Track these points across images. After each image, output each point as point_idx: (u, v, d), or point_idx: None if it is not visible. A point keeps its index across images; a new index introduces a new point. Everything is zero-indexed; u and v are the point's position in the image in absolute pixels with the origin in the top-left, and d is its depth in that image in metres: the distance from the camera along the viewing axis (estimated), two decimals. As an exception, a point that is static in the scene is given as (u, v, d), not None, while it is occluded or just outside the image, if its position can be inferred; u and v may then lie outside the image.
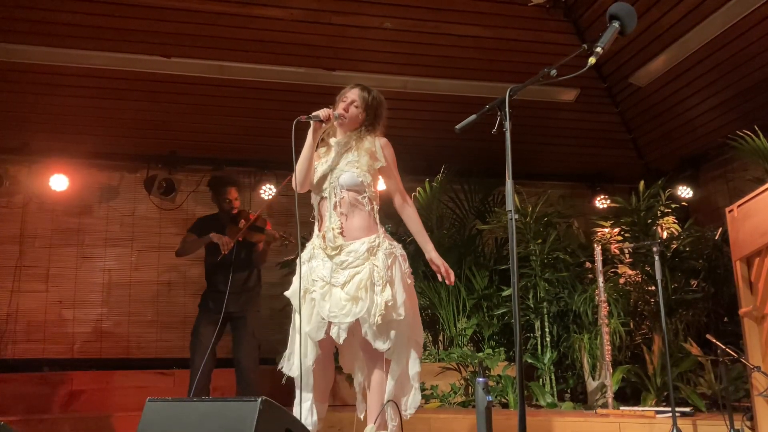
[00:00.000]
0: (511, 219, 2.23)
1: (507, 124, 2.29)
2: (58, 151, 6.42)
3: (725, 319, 5.62)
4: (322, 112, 3.07)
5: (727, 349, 3.75)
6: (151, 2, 5.23)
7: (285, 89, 6.20)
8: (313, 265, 3.08)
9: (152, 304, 6.72)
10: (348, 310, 2.93)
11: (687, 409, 4.38)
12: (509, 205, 2.25)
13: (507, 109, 2.28)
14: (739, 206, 3.86)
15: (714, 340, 3.86)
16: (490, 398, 3.03)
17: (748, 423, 3.86)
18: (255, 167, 6.98)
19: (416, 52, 5.97)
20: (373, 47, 5.89)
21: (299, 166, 3.13)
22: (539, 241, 5.64)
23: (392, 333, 2.96)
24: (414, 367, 3.08)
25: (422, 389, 5.55)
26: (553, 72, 2.30)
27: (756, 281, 3.73)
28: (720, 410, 4.16)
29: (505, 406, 5.27)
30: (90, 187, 6.74)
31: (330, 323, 2.99)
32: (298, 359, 3.02)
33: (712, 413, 4.49)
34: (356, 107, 3.18)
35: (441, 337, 6.30)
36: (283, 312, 6.84)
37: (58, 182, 6.40)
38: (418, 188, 6.38)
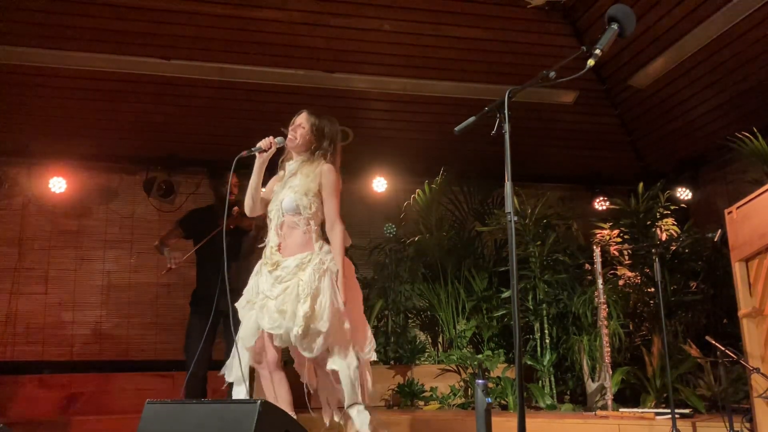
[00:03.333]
0: (511, 221, 2.24)
1: (506, 126, 2.29)
2: (57, 154, 6.42)
3: (724, 320, 5.62)
4: (263, 142, 3.34)
5: (727, 351, 3.75)
6: (150, 5, 5.23)
7: (284, 91, 6.20)
8: (258, 279, 3.30)
9: (151, 306, 6.71)
10: (279, 322, 3.11)
11: (686, 411, 4.38)
12: (508, 206, 2.25)
13: (506, 111, 2.29)
14: (738, 208, 3.86)
15: (713, 342, 3.87)
16: (490, 400, 3.04)
17: (748, 425, 3.86)
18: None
19: (415, 54, 5.97)
20: (372, 49, 5.90)
21: (247, 195, 3.41)
22: (538, 242, 5.64)
23: (318, 342, 3.10)
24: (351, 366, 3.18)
25: (422, 391, 5.56)
26: (552, 74, 2.30)
27: (755, 283, 3.73)
28: (719, 412, 4.17)
29: (505, 407, 5.27)
30: (89, 190, 6.74)
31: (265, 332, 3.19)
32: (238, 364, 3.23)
33: (712, 415, 4.49)
34: (303, 128, 3.36)
35: (440, 339, 6.30)
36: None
37: (58, 184, 6.40)
38: (417, 190, 6.39)
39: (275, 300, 3.14)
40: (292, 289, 3.13)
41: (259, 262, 3.35)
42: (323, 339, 3.09)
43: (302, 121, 3.38)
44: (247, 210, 3.43)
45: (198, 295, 4.74)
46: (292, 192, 3.28)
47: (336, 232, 3.26)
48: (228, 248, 4.57)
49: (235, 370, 3.29)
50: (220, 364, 4.78)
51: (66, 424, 5.18)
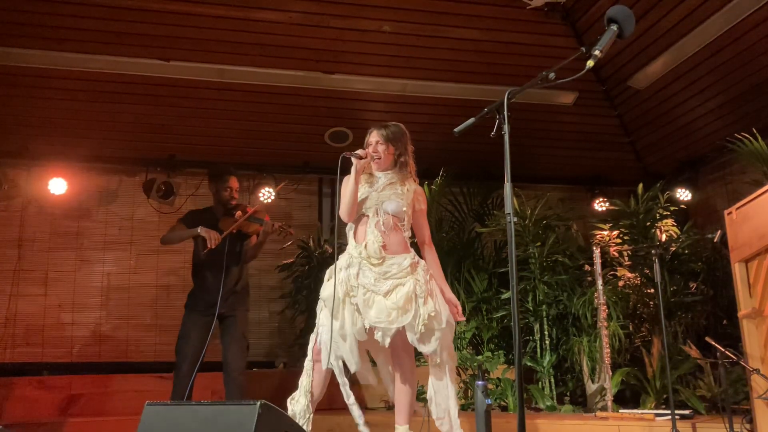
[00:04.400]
0: (510, 222, 2.24)
1: (506, 127, 2.29)
2: (56, 155, 6.42)
3: (724, 321, 5.62)
4: (361, 151, 3.45)
5: (727, 352, 3.76)
6: (149, 6, 5.24)
7: (284, 92, 6.20)
8: (351, 272, 3.35)
9: (151, 308, 6.71)
10: (394, 317, 3.24)
11: (686, 412, 4.38)
12: (508, 207, 2.26)
13: (506, 112, 2.29)
14: (737, 209, 3.86)
15: (713, 343, 3.87)
16: (490, 401, 3.04)
17: (748, 426, 3.86)
18: (254, 170, 6.98)
19: (415, 56, 5.97)
20: (372, 50, 5.90)
21: (347, 200, 3.42)
22: (538, 244, 5.63)
23: (435, 339, 3.30)
24: (453, 370, 3.46)
25: (422, 392, 5.54)
26: (552, 75, 2.31)
27: (755, 284, 3.73)
28: (719, 413, 4.17)
29: (505, 409, 5.27)
30: (89, 191, 6.73)
31: (371, 328, 3.29)
32: (327, 357, 3.29)
33: (712, 416, 4.49)
34: (381, 144, 3.51)
35: (440, 340, 6.29)
36: (282, 315, 6.86)
37: (57, 186, 6.39)
38: (417, 191, 6.38)
39: (384, 296, 3.27)
40: (410, 288, 3.28)
41: (347, 255, 3.42)
42: (441, 335, 3.31)
43: (377, 138, 3.52)
44: (344, 216, 3.47)
45: (195, 296, 4.67)
46: (398, 198, 3.45)
47: (433, 250, 3.65)
48: (230, 252, 4.57)
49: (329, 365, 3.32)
50: (211, 366, 4.80)
51: (65, 425, 5.17)
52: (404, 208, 3.45)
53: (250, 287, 4.90)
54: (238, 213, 4.60)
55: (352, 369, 3.34)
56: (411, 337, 3.27)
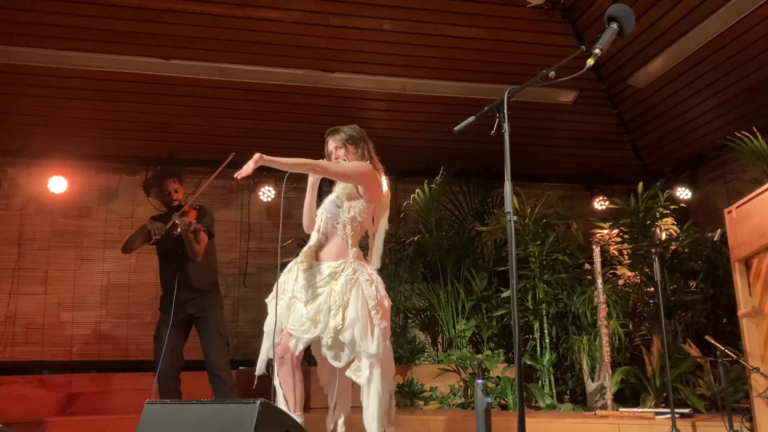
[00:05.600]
0: (510, 220, 2.23)
1: (506, 126, 2.29)
2: (56, 153, 6.42)
3: (724, 320, 5.62)
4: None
5: (726, 351, 3.75)
6: (149, 4, 5.23)
7: (284, 91, 6.20)
8: (288, 276, 3.35)
9: (151, 306, 6.69)
10: (307, 328, 3.18)
11: (686, 411, 4.38)
12: (508, 206, 2.25)
13: (506, 111, 2.28)
14: (737, 207, 3.86)
15: (713, 342, 3.86)
16: (489, 400, 3.04)
17: (747, 424, 3.86)
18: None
19: (415, 54, 5.97)
20: (371, 49, 5.90)
21: (304, 212, 3.45)
22: (538, 242, 5.63)
23: (345, 353, 3.16)
24: (375, 383, 3.13)
25: (422, 391, 5.56)
26: (552, 73, 2.30)
27: (755, 282, 3.73)
28: (719, 411, 4.17)
29: (505, 407, 5.27)
30: (89, 189, 6.74)
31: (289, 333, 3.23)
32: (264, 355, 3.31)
33: (712, 414, 4.48)
34: (340, 149, 3.41)
35: (440, 339, 6.30)
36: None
37: (57, 184, 6.40)
38: (417, 190, 6.38)
39: (305, 305, 3.20)
40: (325, 299, 3.18)
41: (294, 260, 3.40)
42: (348, 350, 3.14)
43: (335, 143, 3.42)
44: (304, 227, 3.47)
45: (162, 298, 4.76)
46: (334, 194, 3.36)
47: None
48: (179, 253, 4.62)
49: (258, 363, 3.34)
50: (192, 365, 4.81)
51: (65, 424, 5.17)
52: (335, 203, 3.32)
53: (218, 285, 4.95)
54: (176, 214, 4.65)
55: (260, 368, 3.30)
56: (323, 351, 3.18)
